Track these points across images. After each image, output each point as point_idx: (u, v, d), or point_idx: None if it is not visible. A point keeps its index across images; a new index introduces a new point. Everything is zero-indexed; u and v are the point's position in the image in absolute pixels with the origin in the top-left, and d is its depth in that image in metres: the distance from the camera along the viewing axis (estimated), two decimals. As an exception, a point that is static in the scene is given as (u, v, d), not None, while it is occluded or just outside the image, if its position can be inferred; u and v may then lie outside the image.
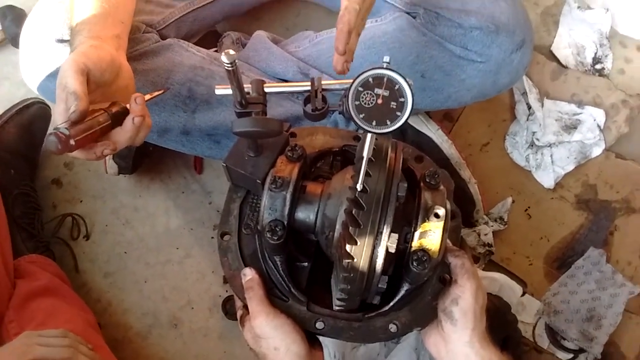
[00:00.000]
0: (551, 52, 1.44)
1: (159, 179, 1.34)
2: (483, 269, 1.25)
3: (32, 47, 1.00)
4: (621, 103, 1.39)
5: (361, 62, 0.99)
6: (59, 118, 0.74)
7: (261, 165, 0.76)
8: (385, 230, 0.64)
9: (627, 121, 1.38)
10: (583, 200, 1.34)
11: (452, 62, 1.06)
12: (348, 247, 0.63)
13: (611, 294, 1.23)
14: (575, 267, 1.26)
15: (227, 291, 1.26)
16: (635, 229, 1.31)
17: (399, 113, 0.64)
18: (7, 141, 1.21)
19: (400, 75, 0.64)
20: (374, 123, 0.64)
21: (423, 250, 0.65)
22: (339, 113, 0.72)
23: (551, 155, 1.34)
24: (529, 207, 1.33)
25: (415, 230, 0.66)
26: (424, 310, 0.74)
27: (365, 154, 0.62)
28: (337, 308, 0.72)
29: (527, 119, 1.36)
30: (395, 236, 0.64)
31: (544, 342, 1.22)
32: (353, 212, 0.63)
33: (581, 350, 1.20)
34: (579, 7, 1.44)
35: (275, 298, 0.74)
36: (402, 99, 0.64)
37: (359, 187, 0.62)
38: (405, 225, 0.68)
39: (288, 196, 0.70)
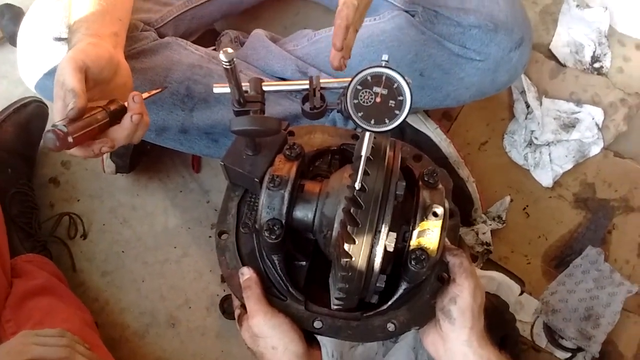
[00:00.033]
0: (550, 50, 1.44)
1: (157, 178, 1.34)
2: (481, 268, 1.25)
3: (30, 45, 1.00)
4: (619, 102, 1.39)
5: (359, 60, 0.99)
6: (57, 115, 0.74)
7: (259, 164, 0.76)
8: (384, 229, 0.64)
9: (625, 120, 1.38)
10: (581, 199, 1.34)
11: (450, 60, 1.06)
12: (346, 246, 0.63)
13: (609, 292, 1.23)
14: (573, 265, 1.26)
15: (224, 290, 1.26)
16: (633, 228, 1.31)
17: (397, 112, 0.64)
18: (5, 140, 1.21)
19: (398, 73, 0.64)
20: (372, 122, 0.63)
21: (421, 249, 0.65)
22: (338, 111, 0.71)
23: (549, 154, 1.34)
24: (527, 206, 1.33)
25: (413, 229, 0.66)
26: (422, 309, 0.74)
27: (363, 152, 0.62)
28: (335, 307, 0.72)
29: (526, 118, 1.36)
30: (393, 235, 0.64)
31: (542, 341, 1.22)
32: (351, 211, 0.63)
33: (579, 349, 1.20)
34: (577, 6, 1.44)
35: (273, 297, 0.74)
36: (400, 98, 0.64)
37: (357, 185, 0.62)
38: (403, 224, 0.68)
39: (286, 195, 0.69)
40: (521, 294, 1.23)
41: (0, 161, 1.20)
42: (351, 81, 0.64)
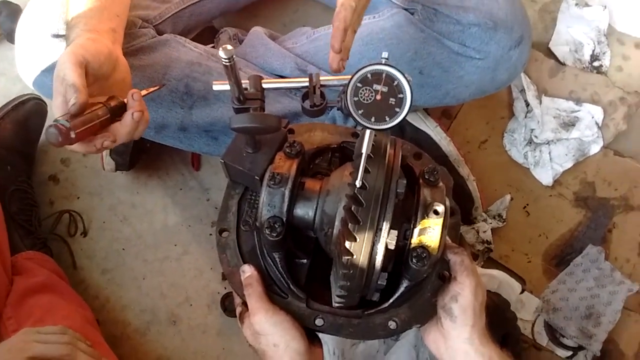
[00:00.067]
0: (549, 49, 1.44)
1: (157, 176, 1.34)
2: (482, 267, 1.25)
3: (28, 42, 1.00)
4: (619, 100, 1.39)
5: (359, 58, 0.99)
6: (56, 112, 0.74)
7: (259, 161, 0.76)
8: (385, 227, 0.63)
9: (625, 118, 1.38)
10: (581, 198, 1.34)
11: (450, 58, 1.06)
12: (347, 244, 0.62)
13: (610, 291, 1.23)
14: (573, 264, 1.26)
15: (225, 288, 1.26)
16: (633, 227, 1.31)
17: (397, 109, 0.63)
18: (3, 137, 1.21)
19: (399, 71, 0.64)
20: (372, 119, 0.63)
21: (422, 247, 0.65)
22: (338, 109, 0.71)
23: (549, 153, 1.34)
24: (527, 205, 1.33)
25: (414, 227, 0.66)
26: (423, 307, 0.74)
27: (364, 150, 0.62)
28: (337, 305, 0.72)
29: (525, 116, 1.36)
30: (394, 233, 0.64)
31: (543, 339, 1.22)
32: (352, 208, 0.63)
33: (580, 348, 1.20)
34: (576, 4, 1.44)
35: (274, 295, 0.74)
36: (401, 95, 0.64)
37: (358, 183, 0.62)
38: (404, 222, 0.68)
39: (287, 193, 0.69)
40: (522, 292, 1.23)
41: None
42: (351, 79, 0.64)
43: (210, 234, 1.30)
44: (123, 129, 0.77)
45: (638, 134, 1.38)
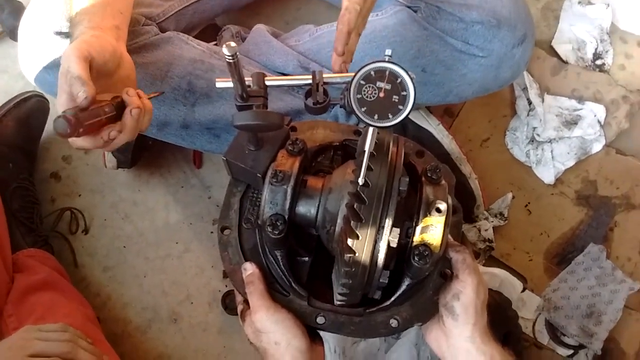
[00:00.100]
0: (552, 47, 1.44)
1: (159, 173, 1.34)
2: (483, 265, 1.25)
3: (31, 39, 1.00)
4: (621, 99, 1.39)
5: (362, 56, 0.98)
6: (60, 109, 0.73)
7: (262, 159, 0.76)
8: (387, 225, 0.63)
9: (627, 117, 1.38)
10: (583, 196, 1.34)
11: (453, 56, 1.06)
12: (349, 242, 0.62)
13: (611, 290, 1.23)
14: (575, 263, 1.26)
15: (226, 286, 1.26)
16: (635, 225, 1.31)
17: (401, 107, 0.63)
18: (5, 134, 1.21)
19: (402, 68, 0.63)
20: (375, 117, 0.63)
21: (424, 244, 0.65)
22: (341, 107, 0.71)
23: (551, 151, 1.34)
24: (529, 203, 1.33)
25: (416, 224, 0.66)
26: (425, 305, 0.74)
27: (367, 147, 0.62)
28: (338, 303, 0.71)
29: (528, 115, 1.36)
30: (396, 230, 0.63)
31: (544, 338, 1.22)
32: (355, 206, 0.62)
33: (581, 346, 1.20)
34: (579, 3, 1.44)
35: (276, 293, 0.74)
36: (404, 93, 0.63)
37: (360, 181, 0.62)
38: (406, 219, 0.68)
39: (289, 190, 0.69)
40: (523, 290, 1.23)
41: (1, 156, 1.20)
42: (354, 76, 0.64)
43: (212, 232, 1.30)
44: (130, 122, 0.77)
45: (640, 132, 1.38)
